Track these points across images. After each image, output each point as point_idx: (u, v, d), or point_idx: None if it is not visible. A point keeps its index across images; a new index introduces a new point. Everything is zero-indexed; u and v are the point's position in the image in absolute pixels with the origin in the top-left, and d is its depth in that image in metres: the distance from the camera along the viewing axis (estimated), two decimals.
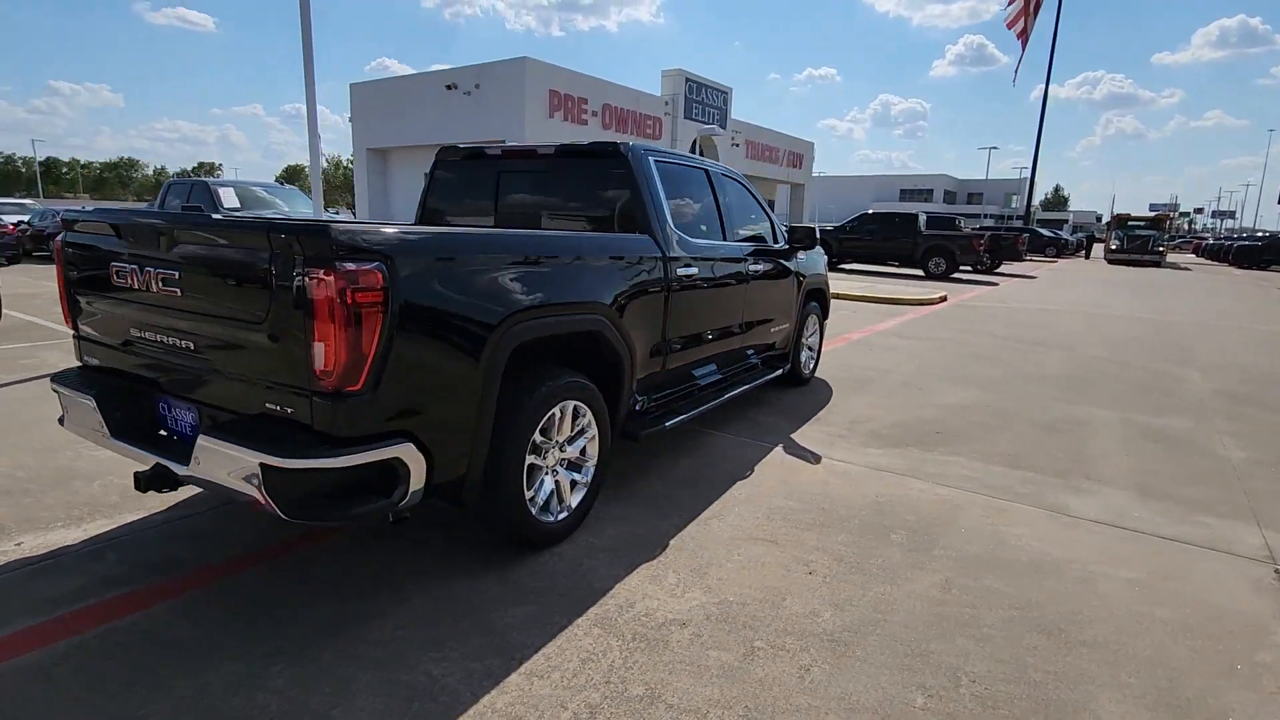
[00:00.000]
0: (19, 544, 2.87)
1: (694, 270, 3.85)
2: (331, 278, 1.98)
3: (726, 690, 2.11)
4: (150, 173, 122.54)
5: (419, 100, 23.86)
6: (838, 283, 15.14)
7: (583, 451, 3.11)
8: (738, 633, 2.40)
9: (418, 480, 2.29)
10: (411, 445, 2.24)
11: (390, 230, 2.18)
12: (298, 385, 2.10)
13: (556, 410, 2.87)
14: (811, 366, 6.15)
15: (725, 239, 4.41)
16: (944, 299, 13.49)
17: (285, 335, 2.08)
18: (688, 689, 2.11)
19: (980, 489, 3.77)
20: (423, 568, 2.77)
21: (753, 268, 4.61)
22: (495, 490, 2.64)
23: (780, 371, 5.30)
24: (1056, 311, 12.30)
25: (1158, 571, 2.93)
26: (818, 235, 5.26)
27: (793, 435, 4.62)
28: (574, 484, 3.09)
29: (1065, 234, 42.65)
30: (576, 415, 3.02)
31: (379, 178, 27.32)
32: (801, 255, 5.56)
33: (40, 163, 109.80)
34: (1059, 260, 34.19)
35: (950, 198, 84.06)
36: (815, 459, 4.17)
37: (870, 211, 20.96)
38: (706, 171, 4.41)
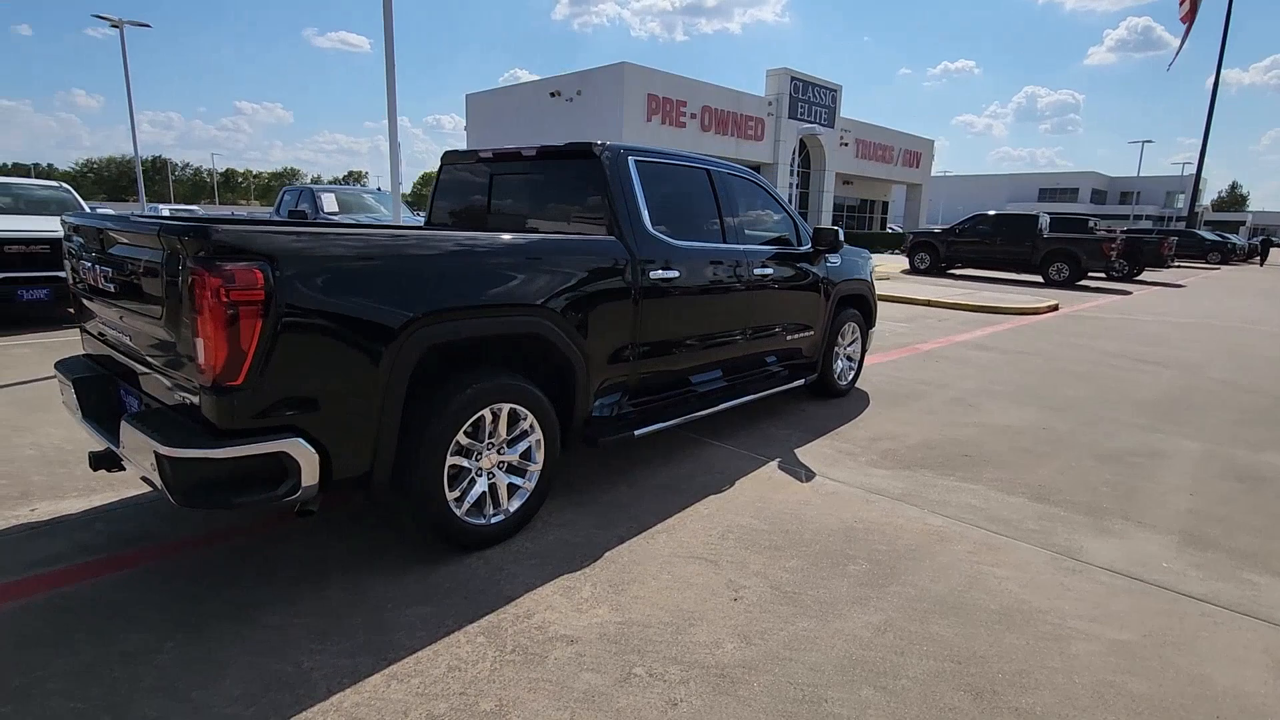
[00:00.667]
0: (34, 509, 3.24)
1: (675, 273, 3.71)
2: (210, 277, 2.08)
3: (579, 715, 2.00)
4: (309, 180, 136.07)
5: (526, 108, 24.82)
6: (931, 289, 14.20)
7: (527, 455, 3.08)
8: (623, 656, 2.28)
9: (310, 475, 2.35)
10: (301, 440, 2.30)
11: (276, 230, 2.25)
12: (192, 379, 2.22)
13: (487, 412, 2.85)
14: (850, 378, 5.77)
15: (726, 241, 4.23)
16: (1054, 308, 12.29)
17: (179, 331, 2.21)
18: (539, 710, 2.02)
19: (982, 521, 3.37)
20: (356, 560, 2.84)
21: (761, 271, 4.38)
22: (413, 490, 2.67)
23: (803, 381, 5.01)
24: (1191, 326, 10.85)
25: (1156, 635, 2.48)
26: (841, 238, 4.92)
27: (798, 450, 4.35)
28: (515, 488, 3.07)
29: (1237, 237, 37.60)
30: (515, 418, 2.99)
31: None
32: (833, 259, 5.24)
33: (221, 174, 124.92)
34: (1222, 267, 30.17)
35: (1099, 197, 76.48)
36: (808, 477, 3.90)
37: (984, 212, 19.44)
38: (708, 172, 4.25)
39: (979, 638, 2.43)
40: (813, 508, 3.47)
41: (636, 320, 3.53)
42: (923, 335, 9.00)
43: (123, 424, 2.39)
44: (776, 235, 4.84)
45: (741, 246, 4.30)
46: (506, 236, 3.01)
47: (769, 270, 4.48)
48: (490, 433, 2.92)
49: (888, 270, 20.35)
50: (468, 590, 2.64)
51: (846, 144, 29.81)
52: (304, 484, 2.34)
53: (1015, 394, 5.98)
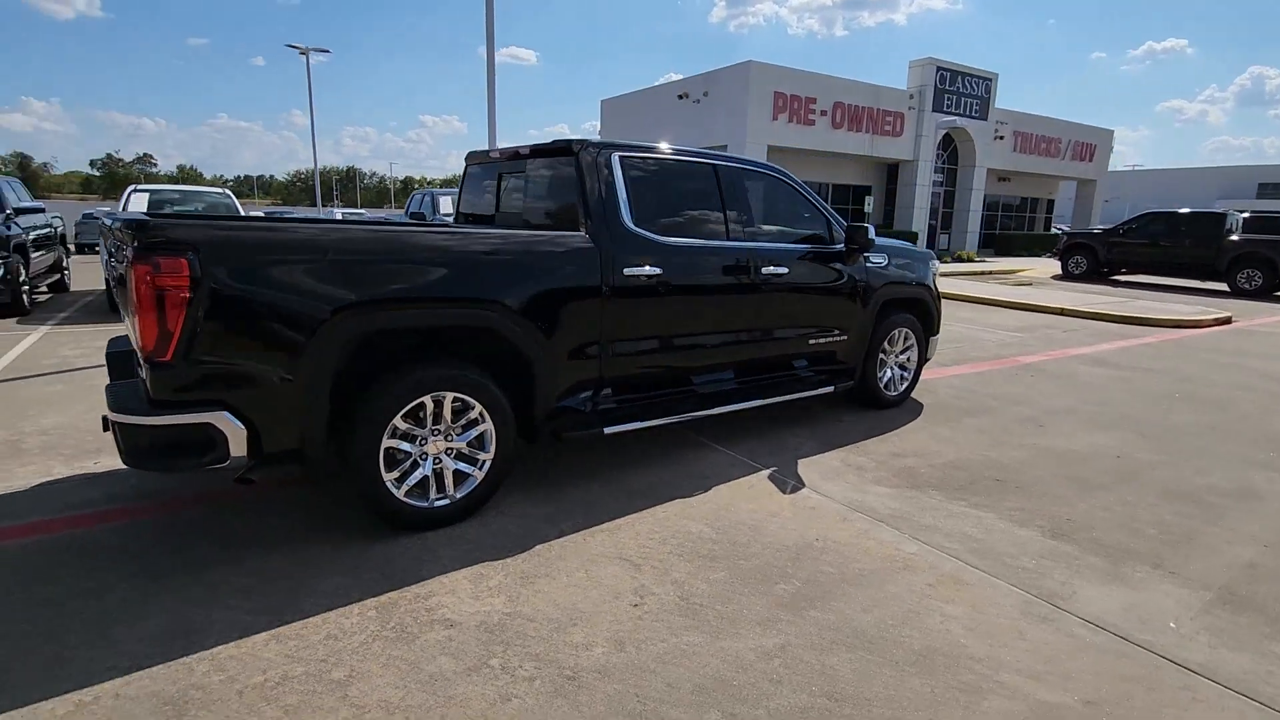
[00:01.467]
0: (96, 463, 3.82)
1: (657, 271, 3.64)
2: (141, 265, 2.36)
3: (412, 696, 2.05)
4: None
5: (656, 111, 25.15)
6: (1071, 296, 12.66)
7: (478, 444, 3.17)
8: (488, 646, 2.29)
9: (238, 447, 2.59)
10: (227, 414, 2.54)
11: (205, 224, 2.51)
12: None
13: (428, 400, 2.97)
14: (902, 388, 5.31)
15: (731, 239, 4.07)
16: (1225, 321, 10.52)
17: (131, 312, 2.52)
18: (380, 686, 2.09)
19: (965, 553, 2.99)
20: (313, 531, 3.07)
21: (773, 271, 4.17)
22: (349, 468, 2.85)
23: (832, 388, 4.69)
24: None
25: (1101, 703, 2.08)
26: (871, 236, 4.54)
27: (806, 460, 4.09)
28: (464, 475, 3.17)
29: None
30: (463, 407, 3.09)
31: None
32: (877, 260, 4.87)
33: (399, 181, 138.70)
34: None
35: None
36: (794, 489, 3.66)
37: (1157, 210, 16.98)
38: (715, 168, 4.11)
39: (878, 678, 2.17)
40: (778, 521, 3.26)
41: (609, 317, 3.50)
42: (1032, 347, 8.07)
43: (106, 389, 2.77)
44: (803, 234, 4.58)
45: (747, 245, 4.12)
46: (457, 232, 3.12)
47: (783, 269, 4.25)
48: (435, 419, 3.04)
49: (1034, 275, 18.41)
50: (389, 567, 2.77)
51: (1002, 137, 27.17)
52: (232, 454, 2.59)
53: (1106, 416, 5.20)
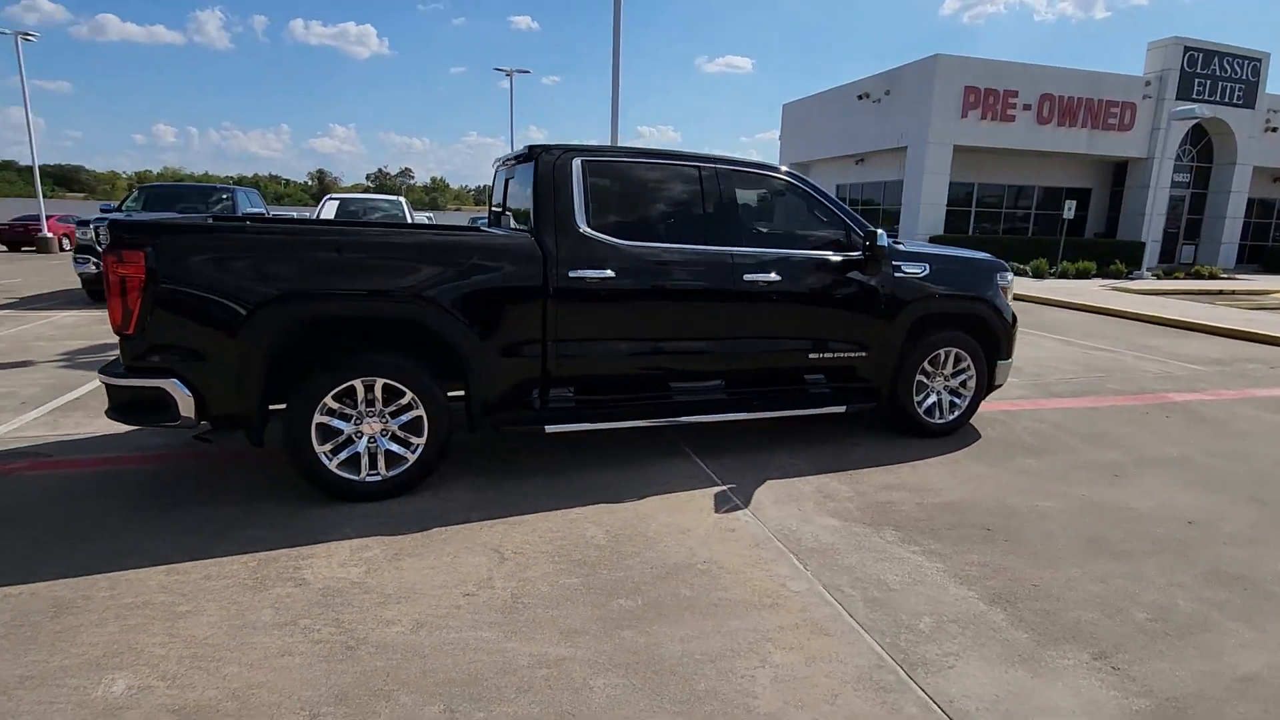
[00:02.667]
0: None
1: (608, 273, 3.63)
2: (110, 257, 2.93)
3: (217, 636, 2.32)
4: None
5: (835, 113, 24.16)
6: None
7: (412, 428, 3.43)
8: (311, 608, 2.50)
9: (187, 410, 3.08)
10: (177, 382, 3.05)
11: (161, 225, 3.02)
12: None
13: (358, 383, 3.28)
14: (952, 416, 4.67)
15: (710, 243, 3.91)
16: None
17: (106, 295, 3.11)
18: (202, 623, 2.39)
19: (857, 601, 2.63)
20: (285, 490, 3.52)
21: (758, 277, 3.94)
22: (287, 439, 3.25)
23: (844, 408, 4.29)
24: None
25: None
26: (881, 242, 4.05)
27: (775, 480, 3.81)
28: (396, 456, 3.44)
29: None
30: (395, 393, 3.36)
31: None
32: (912, 269, 4.37)
33: None
34: None
35: None
36: (731, 508, 3.44)
37: None
38: (699, 170, 3.97)
39: (628, 708, 2.03)
40: (682, 538, 3.11)
41: (554, 318, 3.57)
42: (1205, 383, 6.59)
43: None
44: (815, 240, 4.25)
45: (725, 249, 3.93)
46: (388, 231, 3.40)
47: (773, 276, 3.99)
48: (367, 402, 3.35)
49: None
50: (308, 528, 3.11)
51: (1276, 128, 22.00)
52: (183, 415, 3.09)
53: (1222, 475, 4.15)
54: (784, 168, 4.28)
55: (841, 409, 4.30)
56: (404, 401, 3.39)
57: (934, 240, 20.51)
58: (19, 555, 2.81)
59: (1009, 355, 4.81)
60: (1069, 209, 17.19)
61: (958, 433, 4.74)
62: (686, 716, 2.01)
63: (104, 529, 3.06)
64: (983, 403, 4.94)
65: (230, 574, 2.73)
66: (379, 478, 3.41)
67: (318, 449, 3.28)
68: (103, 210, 11.20)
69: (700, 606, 2.58)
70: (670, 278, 3.82)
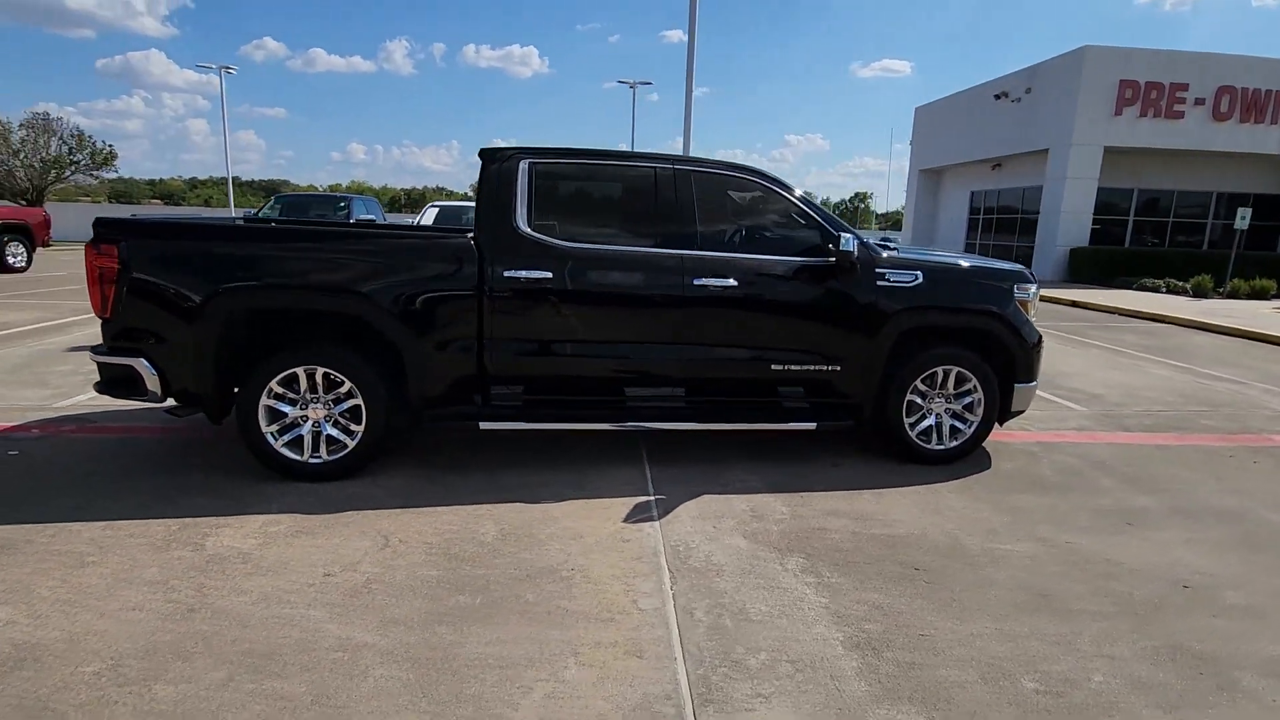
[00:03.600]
0: None
1: (545, 274, 3.64)
2: (90, 250, 3.37)
3: (102, 586, 2.59)
4: (817, 200, 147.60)
5: (971, 115, 22.47)
6: None
7: (352, 416, 3.63)
8: (189, 572, 2.71)
9: (154, 386, 3.47)
10: (144, 361, 3.44)
11: (133, 224, 3.41)
12: None
13: (300, 371, 3.53)
14: (953, 443, 4.19)
15: (662, 246, 3.80)
16: None
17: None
18: (93, 575, 2.68)
19: (701, 631, 2.44)
20: (254, 471, 3.87)
21: (710, 282, 3.78)
22: (238, 418, 3.57)
23: (814, 426, 3.99)
24: None
25: None
26: (846, 248, 3.70)
27: (713, 495, 3.62)
28: (337, 441, 3.65)
29: None
30: (332, 382, 3.58)
31: (929, 198, 26.88)
32: (902, 277, 3.99)
33: None
34: None
35: None
36: (641, 519, 3.31)
37: None
38: (655, 172, 3.86)
39: (389, 697, 2.04)
40: (569, 544, 3.05)
41: (489, 317, 3.64)
42: None
43: None
44: (779, 244, 4.00)
45: (676, 252, 3.80)
46: (334, 232, 3.61)
47: (729, 282, 3.80)
48: (311, 389, 3.59)
49: None
50: (237, 499, 3.39)
51: None
52: (149, 390, 3.49)
53: (1271, 534, 3.41)
54: (753, 167, 4.07)
55: (811, 426, 4.00)
56: (343, 390, 3.59)
57: (1074, 253, 18.43)
58: (12, 501, 3.31)
59: (1030, 378, 4.23)
60: (1242, 218, 14.73)
61: (964, 461, 4.24)
62: (435, 718, 1.98)
63: (84, 486, 3.52)
64: (1023, 432, 4.40)
65: (150, 534, 3.04)
66: (320, 460, 3.64)
67: (264, 429, 3.56)
68: (244, 217, 12.85)
69: (535, 613, 2.52)
70: (612, 280, 3.76)
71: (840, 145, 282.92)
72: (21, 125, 29.63)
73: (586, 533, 3.17)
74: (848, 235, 3.76)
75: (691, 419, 3.92)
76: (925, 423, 4.18)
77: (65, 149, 30.68)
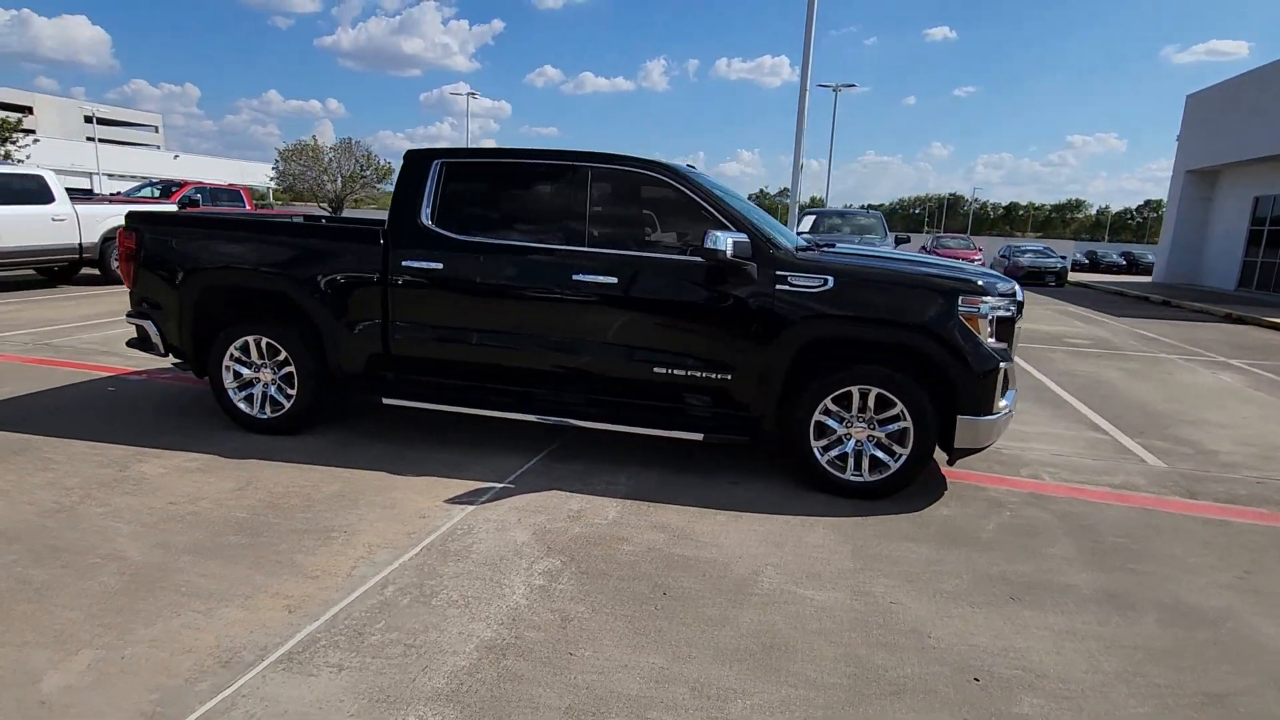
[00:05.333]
0: None
1: (437, 265, 3.91)
2: (120, 234, 4.37)
3: (32, 495, 3.43)
4: (1093, 213, 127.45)
5: (1259, 102, 17.96)
6: None
7: (288, 381, 4.24)
8: (95, 489, 3.45)
9: (158, 343, 4.39)
10: (151, 324, 4.37)
11: (145, 214, 4.33)
12: None
13: (250, 340, 4.21)
14: (879, 476, 3.62)
15: (551, 242, 3.85)
16: None
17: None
18: (28, 485, 3.54)
19: (372, 622, 2.52)
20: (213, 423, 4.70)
21: (594, 279, 3.74)
22: (209, 376, 4.36)
23: (701, 437, 3.75)
24: None
25: None
26: (719, 246, 3.36)
27: (560, 491, 3.59)
28: (278, 402, 4.28)
29: None
30: (273, 350, 4.20)
31: (1198, 206, 22.04)
32: (805, 283, 3.58)
33: (1002, 207, 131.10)
34: None
35: None
36: (453, 500, 3.42)
37: None
38: (557, 168, 3.91)
39: None
40: (345, 510, 3.28)
41: (391, 302, 4.00)
42: None
43: None
44: (671, 243, 3.81)
45: (560, 247, 3.81)
46: (270, 222, 4.20)
47: (609, 279, 3.73)
48: (259, 355, 4.25)
49: None
50: (197, 440, 4.13)
51: None
52: (155, 346, 4.42)
53: (1227, 651, 2.48)
54: (660, 162, 3.89)
55: (697, 437, 3.75)
56: (280, 358, 4.21)
57: None
58: (70, 419, 4.43)
59: (981, 410, 3.50)
60: None
61: (896, 498, 3.64)
62: (88, 615, 2.36)
63: (120, 416, 4.55)
64: (1027, 480, 3.74)
65: (106, 455, 3.88)
66: (265, 416, 4.30)
67: (226, 386, 4.31)
68: None
69: (269, 560, 2.80)
70: (498, 273, 3.89)
71: (1142, 145, 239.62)
72: (331, 148, 37.39)
73: (401, 504, 3.38)
74: (724, 234, 3.46)
75: (572, 414, 3.90)
76: (842, 449, 3.68)
77: (358, 166, 38.02)
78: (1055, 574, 2.99)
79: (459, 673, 2.17)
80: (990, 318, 3.54)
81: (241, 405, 4.31)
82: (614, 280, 3.74)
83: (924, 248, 22.82)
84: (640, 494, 3.63)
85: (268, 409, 4.29)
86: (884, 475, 3.64)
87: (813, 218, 11.97)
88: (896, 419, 3.58)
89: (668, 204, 3.91)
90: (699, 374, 3.74)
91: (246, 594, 2.56)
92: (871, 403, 3.59)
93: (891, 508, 3.59)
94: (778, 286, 3.60)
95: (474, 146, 4.22)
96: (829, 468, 3.68)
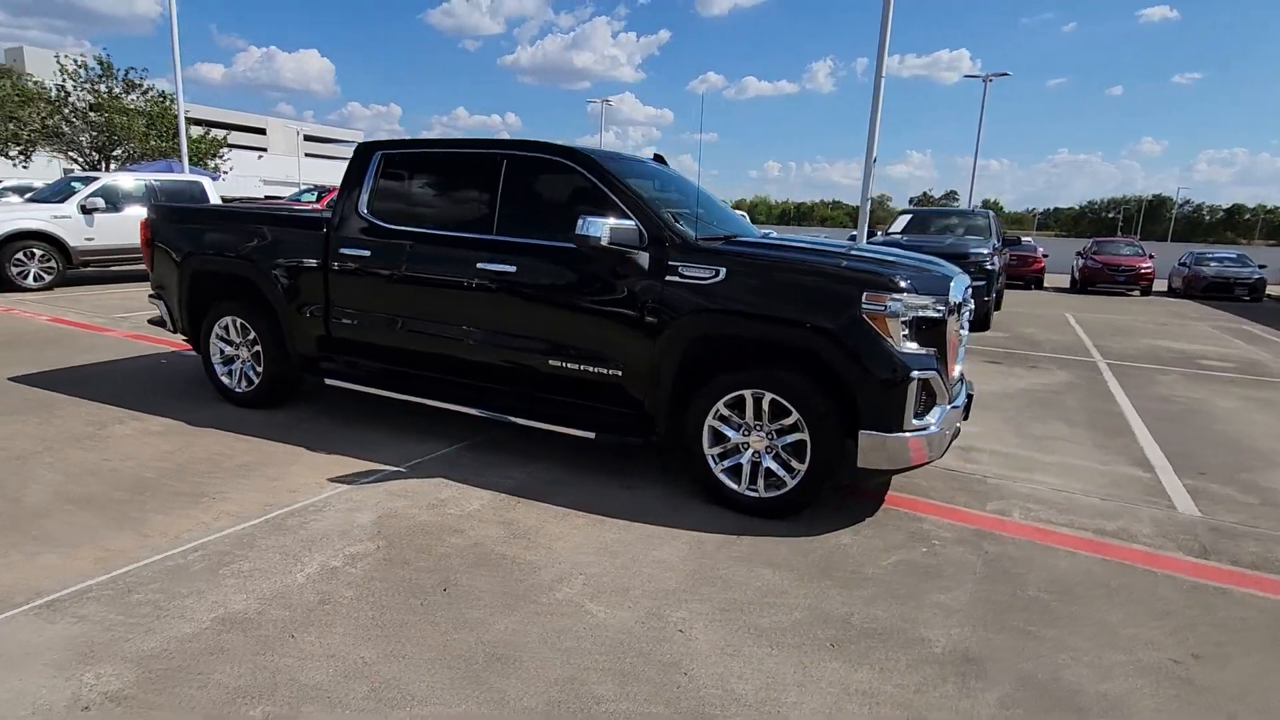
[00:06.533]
0: None
1: (366, 252, 4.04)
2: (142, 225, 4.97)
3: (27, 426, 3.99)
4: None
5: None
6: None
7: (257, 360, 4.59)
8: (64, 440, 3.94)
9: (170, 323, 4.95)
10: (162, 302, 4.93)
11: (157, 207, 4.87)
12: None
13: (228, 320, 4.61)
14: (776, 492, 3.23)
15: (467, 230, 3.84)
16: None
17: None
18: (12, 432, 4.11)
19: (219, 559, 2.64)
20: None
21: (495, 268, 3.68)
22: (201, 349, 4.83)
23: (593, 436, 3.54)
24: None
25: None
26: (590, 232, 3.12)
27: (448, 480, 3.56)
28: (250, 378, 4.65)
29: None
30: (245, 330, 4.57)
31: None
32: (697, 274, 3.29)
33: (1223, 210, 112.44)
34: None
35: None
36: (337, 480, 3.48)
37: None
38: (480, 156, 3.88)
39: None
40: (238, 478, 3.45)
41: (331, 287, 4.20)
42: None
43: None
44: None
45: (468, 235, 3.79)
46: (238, 210, 4.54)
47: (508, 268, 3.65)
48: (239, 335, 4.64)
49: None
50: (182, 410, 4.60)
51: None
52: (168, 324, 4.98)
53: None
54: (568, 146, 3.72)
55: (590, 435, 3.55)
56: (251, 338, 4.57)
57: None
58: (110, 384, 5.12)
59: (888, 425, 3.00)
60: None
61: (800, 516, 3.23)
62: None
63: (147, 383, 5.19)
64: (990, 516, 3.24)
65: (97, 415, 4.41)
66: (241, 391, 4.69)
67: (213, 363, 4.75)
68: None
69: (123, 514, 3.04)
70: (417, 262, 3.93)
71: None
72: None
73: (288, 478, 3.52)
74: (596, 219, 3.23)
75: (481, 405, 3.85)
76: (738, 460, 3.32)
77: None
78: (916, 625, 2.48)
79: (174, 640, 2.21)
80: (907, 318, 3.02)
81: (225, 379, 4.74)
82: (513, 269, 3.66)
83: (1079, 253, 20.11)
84: (522, 489, 3.51)
85: (243, 384, 4.68)
86: (780, 492, 3.23)
87: (907, 218, 11.02)
88: (794, 429, 3.16)
89: (575, 191, 3.74)
90: (591, 369, 3.55)
91: (78, 543, 2.79)
92: (767, 410, 3.21)
93: (784, 529, 3.17)
94: (667, 278, 3.32)
95: (419, 138, 4.31)
96: (724, 479, 3.34)
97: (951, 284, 3.20)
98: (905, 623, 2.49)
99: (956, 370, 3.40)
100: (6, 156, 21.85)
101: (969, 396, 3.61)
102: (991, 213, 11.03)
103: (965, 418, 3.60)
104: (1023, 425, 5.09)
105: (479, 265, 3.73)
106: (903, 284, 3.04)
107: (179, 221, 4.94)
